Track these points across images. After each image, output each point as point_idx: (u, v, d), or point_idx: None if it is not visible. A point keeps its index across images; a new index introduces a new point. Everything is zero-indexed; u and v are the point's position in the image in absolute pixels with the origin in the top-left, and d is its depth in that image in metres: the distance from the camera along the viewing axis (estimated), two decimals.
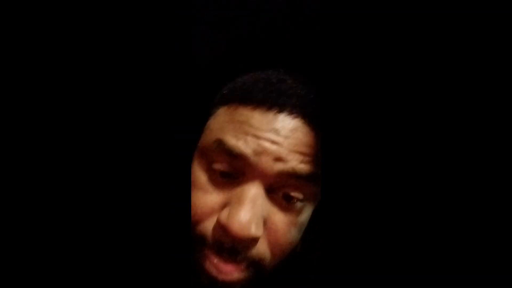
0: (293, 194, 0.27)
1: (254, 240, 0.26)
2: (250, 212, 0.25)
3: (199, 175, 0.28)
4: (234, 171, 0.26)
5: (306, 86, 0.28)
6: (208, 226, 0.27)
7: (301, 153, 0.26)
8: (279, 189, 0.27)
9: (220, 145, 0.26)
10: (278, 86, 0.28)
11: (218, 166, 0.27)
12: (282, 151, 0.25)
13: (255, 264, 0.27)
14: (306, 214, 0.28)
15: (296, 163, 0.26)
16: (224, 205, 0.26)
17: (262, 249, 0.27)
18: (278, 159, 0.25)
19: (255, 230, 0.25)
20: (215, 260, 0.26)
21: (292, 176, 0.26)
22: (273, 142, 0.25)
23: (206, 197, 0.27)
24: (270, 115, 0.26)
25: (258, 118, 0.26)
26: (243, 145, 0.26)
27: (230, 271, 0.26)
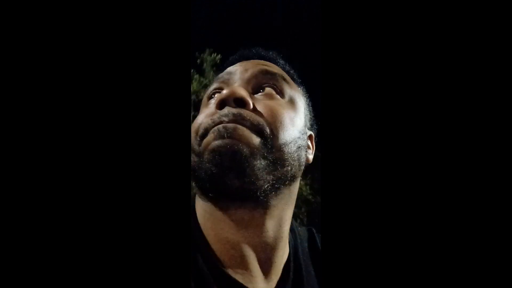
0: (268, 86, 0.36)
1: (246, 104, 0.32)
2: (237, 87, 0.34)
3: (203, 107, 0.38)
4: (226, 86, 0.36)
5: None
6: (206, 119, 0.33)
7: (266, 64, 0.39)
8: (257, 87, 0.36)
9: (217, 78, 0.39)
10: (249, 53, 0.42)
11: (213, 92, 0.38)
12: (255, 66, 0.37)
13: (256, 128, 0.32)
14: (286, 104, 0.36)
15: (266, 66, 0.38)
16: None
17: (257, 117, 0.32)
18: (252, 69, 0.37)
19: (244, 93, 0.33)
20: (219, 126, 0.31)
21: (262, 73, 0.36)
22: (244, 66, 0.38)
23: (203, 112, 0.36)
24: (250, 61, 0.40)
25: (242, 63, 0.39)
26: (232, 68, 0.38)
27: (231, 124, 0.31)
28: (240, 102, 0.32)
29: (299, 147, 0.35)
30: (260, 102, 0.34)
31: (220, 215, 0.33)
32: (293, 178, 0.35)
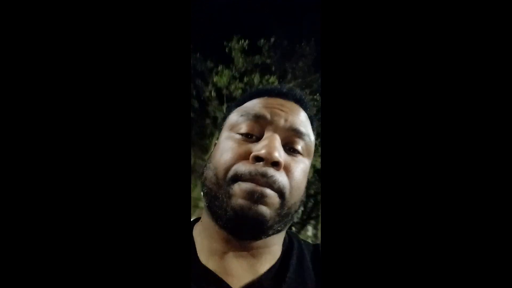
0: (295, 147, 0.39)
1: (279, 166, 0.36)
2: (276, 145, 0.36)
3: (227, 141, 0.39)
4: (256, 131, 0.39)
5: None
6: (240, 166, 0.36)
7: (295, 118, 0.40)
8: (286, 144, 0.38)
9: (245, 114, 0.40)
10: (276, 86, 0.46)
11: (243, 129, 0.39)
12: (288, 116, 0.40)
13: (280, 191, 0.35)
14: (305, 165, 0.40)
15: (297, 124, 0.39)
16: (250, 153, 0.36)
17: (284, 179, 0.36)
18: (286, 120, 0.39)
19: (279, 157, 0.35)
20: (256, 186, 0.35)
21: (295, 132, 0.39)
22: (282, 110, 0.40)
23: (237, 149, 0.37)
24: (276, 99, 0.42)
25: (269, 100, 0.42)
26: (264, 110, 0.40)
27: (267, 192, 0.35)
28: (275, 164, 0.36)
29: (300, 204, 0.39)
30: (287, 163, 0.37)
31: (216, 233, 0.38)
32: (293, 219, 0.40)
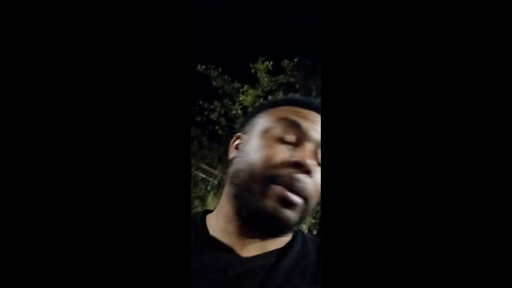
0: (319, 158, 0.41)
1: (310, 175, 0.39)
2: (310, 155, 0.40)
3: (267, 142, 0.42)
4: (294, 139, 0.42)
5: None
6: (279, 169, 0.39)
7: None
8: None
9: (285, 119, 0.43)
10: (308, 98, 0.49)
11: (282, 134, 0.42)
12: (319, 130, 0.42)
13: (307, 198, 0.39)
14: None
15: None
16: (288, 157, 0.40)
17: (312, 186, 0.40)
18: (317, 133, 0.42)
19: (314, 167, 0.39)
20: (287, 191, 0.38)
21: (319, 145, 0.41)
22: (315, 124, 0.43)
23: (277, 153, 0.41)
24: (309, 111, 0.45)
25: (304, 111, 0.45)
26: (301, 120, 0.43)
27: (297, 198, 0.39)
28: (308, 172, 0.39)
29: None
30: (315, 171, 0.40)
31: (233, 220, 0.42)
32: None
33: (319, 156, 0.41)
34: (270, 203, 0.38)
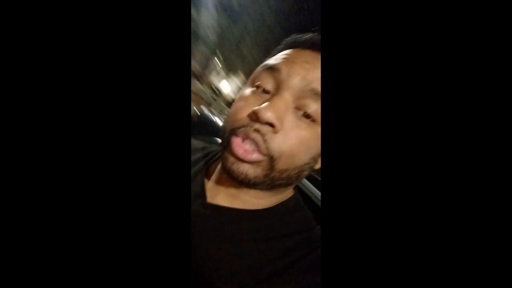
0: (310, 111, 0.35)
1: (272, 129, 0.34)
2: (277, 107, 0.34)
3: (245, 92, 0.39)
4: (271, 87, 0.36)
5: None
6: (242, 119, 0.36)
7: (315, 77, 0.35)
8: (300, 106, 0.35)
9: (265, 66, 0.38)
10: (310, 36, 0.40)
11: (258, 82, 0.38)
12: (308, 74, 0.35)
13: (270, 158, 0.34)
14: (312, 133, 0.36)
15: (315, 83, 0.35)
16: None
17: (276, 145, 0.34)
18: (305, 79, 0.35)
19: (275, 119, 0.33)
20: (241, 143, 0.35)
21: (311, 92, 0.35)
22: (303, 67, 0.36)
23: (247, 104, 0.37)
24: (302, 51, 0.38)
25: (294, 53, 0.38)
26: (282, 64, 0.37)
27: (252, 152, 0.34)
28: (269, 125, 0.34)
29: (302, 170, 0.37)
30: (289, 127, 0.35)
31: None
32: (288, 185, 0.39)
33: (311, 109, 0.35)
34: (226, 155, 0.36)
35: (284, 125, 0.35)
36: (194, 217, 0.38)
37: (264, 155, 0.35)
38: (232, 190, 0.41)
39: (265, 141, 0.34)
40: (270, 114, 0.33)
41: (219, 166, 0.45)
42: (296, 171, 0.37)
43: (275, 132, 0.34)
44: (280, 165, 0.35)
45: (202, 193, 0.42)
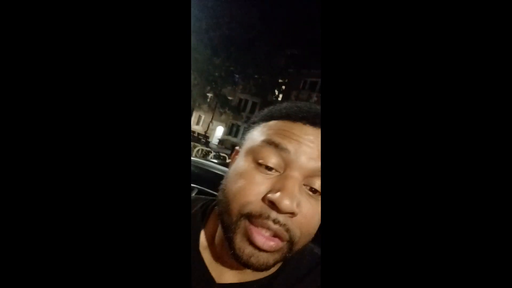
0: (316, 187, 0.35)
1: (293, 215, 0.33)
2: (294, 193, 0.33)
3: (245, 167, 0.36)
4: (277, 165, 0.35)
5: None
6: (255, 205, 0.34)
7: (318, 155, 0.35)
8: (307, 183, 0.35)
9: (269, 142, 0.36)
10: (308, 108, 0.39)
11: (264, 160, 0.35)
12: (314, 153, 0.35)
13: (289, 242, 0.34)
14: (319, 205, 0.35)
15: (319, 162, 0.35)
16: (268, 190, 0.34)
17: (298, 231, 0.34)
18: (312, 158, 0.35)
19: (295, 208, 0.33)
20: (263, 231, 0.33)
21: (317, 170, 0.35)
22: (308, 146, 0.35)
23: (253, 184, 0.35)
24: (305, 127, 0.37)
25: (297, 129, 0.36)
26: (288, 143, 0.35)
27: (272, 239, 0.33)
28: (291, 213, 0.33)
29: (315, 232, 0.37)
30: (304, 207, 0.34)
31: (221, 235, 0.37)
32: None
33: (314, 185, 0.35)
34: (242, 245, 0.34)
35: (300, 207, 0.34)
36: None
37: (285, 241, 0.34)
38: (238, 266, 0.38)
39: (287, 230, 0.33)
40: (289, 203, 0.32)
41: (217, 238, 0.40)
42: (306, 244, 0.37)
43: (293, 216, 0.34)
44: (299, 246, 0.35)
45: (207, 275, 0.39)
